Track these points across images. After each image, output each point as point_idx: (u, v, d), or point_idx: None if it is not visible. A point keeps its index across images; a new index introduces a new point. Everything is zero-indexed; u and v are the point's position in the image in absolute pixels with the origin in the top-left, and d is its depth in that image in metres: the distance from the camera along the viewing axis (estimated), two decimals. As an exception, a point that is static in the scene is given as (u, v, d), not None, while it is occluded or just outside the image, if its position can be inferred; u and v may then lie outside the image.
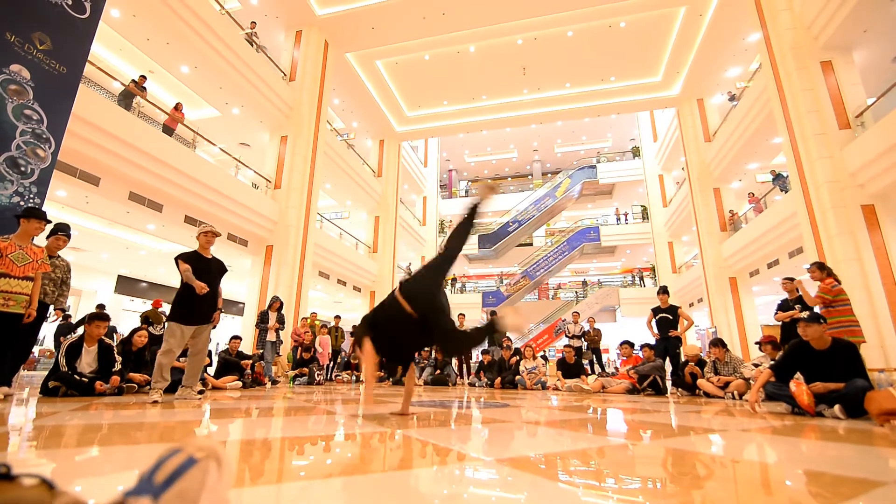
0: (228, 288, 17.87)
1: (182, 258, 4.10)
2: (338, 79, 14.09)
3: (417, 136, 18.89)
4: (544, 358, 13.86)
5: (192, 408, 3.39)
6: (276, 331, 8.05)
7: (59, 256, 4.45)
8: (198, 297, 4.05)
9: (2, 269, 3.60)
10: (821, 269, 5.00)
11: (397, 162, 18.27)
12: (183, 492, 0.56)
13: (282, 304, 8.29)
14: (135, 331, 5.27)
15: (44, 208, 4.71)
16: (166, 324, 4.09)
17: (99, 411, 2.96)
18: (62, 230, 4.40)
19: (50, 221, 4.04)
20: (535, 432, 2.53)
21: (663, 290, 7.33)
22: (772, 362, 4.28)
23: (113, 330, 8.85)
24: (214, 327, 4.31)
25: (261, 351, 7.83)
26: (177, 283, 4.20)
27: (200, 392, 4.76)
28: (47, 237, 4.34)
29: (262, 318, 8.02)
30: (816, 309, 4.85)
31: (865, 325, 6.04)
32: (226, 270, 4.38)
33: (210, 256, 4.27)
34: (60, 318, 8.61)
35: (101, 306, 8.74)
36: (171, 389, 4.74)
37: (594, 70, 14.66)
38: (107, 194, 7.66)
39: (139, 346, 5.13)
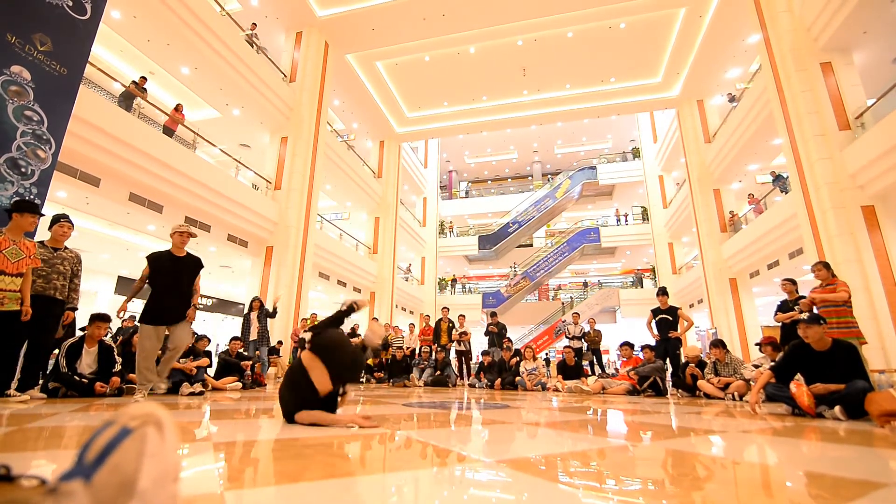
0: (228, 289, 17.89)
1: (151, 258, 4.14)
2: (338, 80, 14.11)
3: (417, 137, 18.91)
4: (546, 361, 13.86)
5: (185, 408, 3.39)
6: (260, 330, 8.02)
7: (66, 248, 4.23)
8: (165, 297, 4.09)
9: None
10: (827, 269, 5.03)
11: (397, 163, 18.29)
12: (118, 466, 0.53)
13: (262, 303, 8.28)
14: (134, 331, 5.27)
15: (44, 209, 4.68)
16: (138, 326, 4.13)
17: (99, 412, 2.96)
18: (64, 217, 4.22)
19: (43, 215, 3.96)
20: (536, 433, 2.52)
21: (663, 292, 7.33)
22: (772, 363, 4.28)
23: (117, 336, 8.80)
24: (191, 323, 4.32)
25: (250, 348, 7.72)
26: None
27: (200, 393, 4.76)
28: (49, 227, 4.18)
29: (246, 321, 8.05)
30: (815, 309, 4.85)
31: (866, 325, 6.05)
32: (202, 266, 4.40)
33: (183, 255, 4.30)
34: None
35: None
36: (173, 390, 4.75)
37: (594, 71, 14.68)
38: (107, 195, 7.67)
39: (139, 347, 5.12)
